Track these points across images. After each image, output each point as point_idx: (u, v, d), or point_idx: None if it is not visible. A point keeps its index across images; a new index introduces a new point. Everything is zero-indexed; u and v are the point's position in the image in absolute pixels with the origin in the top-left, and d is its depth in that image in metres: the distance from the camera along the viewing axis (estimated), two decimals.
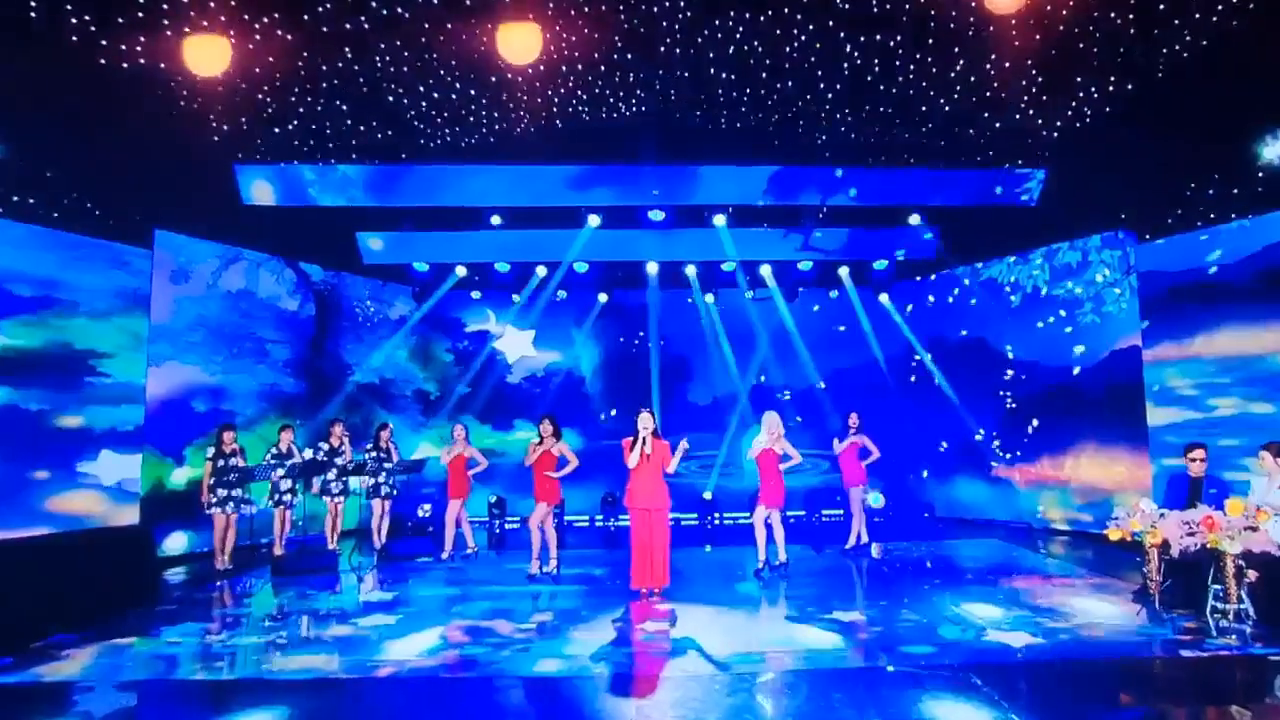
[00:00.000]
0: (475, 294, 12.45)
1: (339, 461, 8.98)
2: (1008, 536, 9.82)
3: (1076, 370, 9.93)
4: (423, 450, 11.75)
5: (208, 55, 6.17)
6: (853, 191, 10.12)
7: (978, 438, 11.15)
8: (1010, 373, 10.82)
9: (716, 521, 12.12)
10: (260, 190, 9.47)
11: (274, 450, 8.51)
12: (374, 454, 9.13)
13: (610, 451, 10.32)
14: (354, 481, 9.27)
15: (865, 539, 8.75)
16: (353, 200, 9.82)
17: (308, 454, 8.86)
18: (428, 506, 11.52)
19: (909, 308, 12.27)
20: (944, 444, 11.76)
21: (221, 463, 8.08)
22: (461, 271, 11.88)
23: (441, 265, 11.77)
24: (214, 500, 8.00)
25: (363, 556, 8.62)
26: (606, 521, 12.14)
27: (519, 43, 6.21)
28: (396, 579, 7.64)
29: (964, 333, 11.54)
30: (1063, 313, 10.12)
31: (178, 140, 7.72)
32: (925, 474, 11.90)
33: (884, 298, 12.31)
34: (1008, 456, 10.85)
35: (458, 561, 8.48)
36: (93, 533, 7.17)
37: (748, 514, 12.03)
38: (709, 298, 12.49)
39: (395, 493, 9.28)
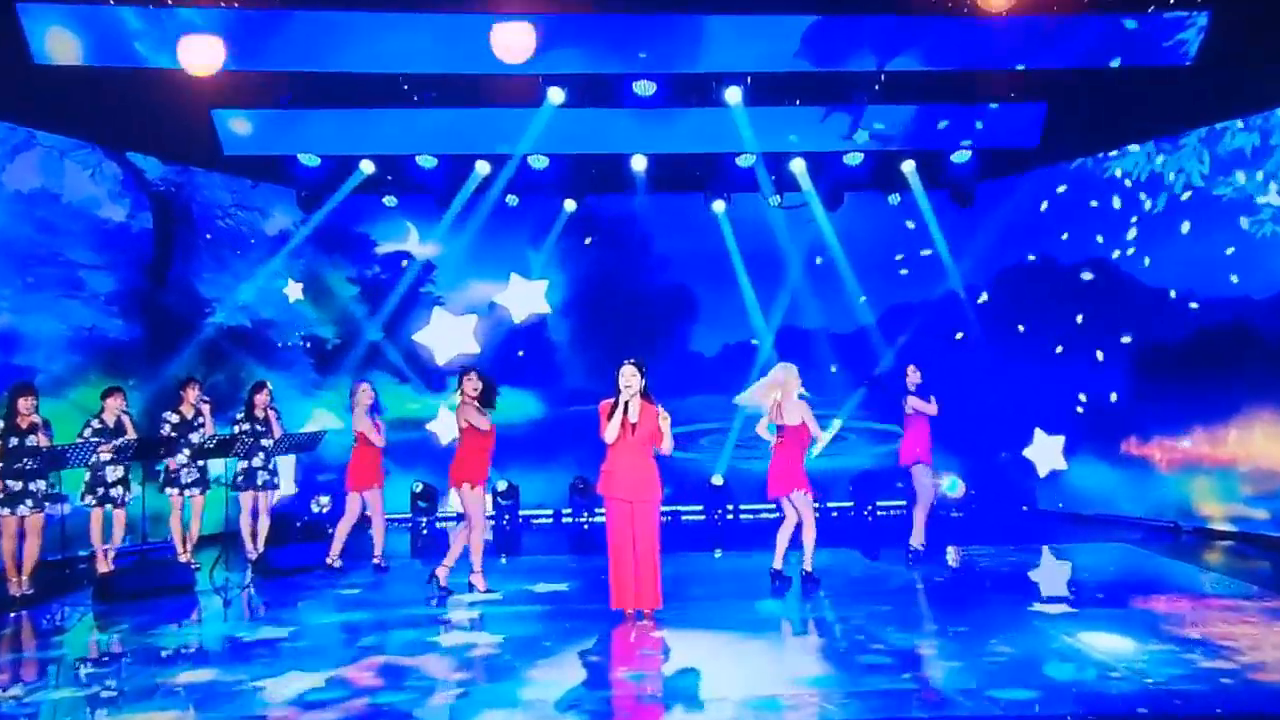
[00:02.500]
0: (389, 200, 12.39)
1: (194, 439, 8.93)
2: (1144, 539, 9.93)
3: (1248, 305, 9.89)
4: (317, 420, 11.70)
5: None
6: (921, 53, 10.06)
7: (1114, 398, 11.11)
8: (1148, 309, 10.84)
9: (729, 516, 12.34)
10: (60, 43, 9.16)
11: (96, 423, 8.43)
12: (246, 427, 9.10)
13: (581, 421, 10.71)
14: (217, 466, 9.23)
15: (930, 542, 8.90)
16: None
17: (162, 428, 8.84)
18: (326, 499, 11.64)
19: (1000, 218, 12.24)
20: (1051, 410, 11.78)
21: (14, 442, 7.91)
22: (368, 168, 11.77)
23: (339, 159, 11.65)
24: (0, 497, 7.87)
25: (231, 572, 8.53)
26: (576, 517, 12.33)
27: None
28: (280, 602, 7.64)
29: (1076, 254, 11.57)
30: (1229, 222, 10.02)
31: None
32: (1038, 457, 11.80)
33: (965, 203, 12.32)
34: (1144, 429, 10.90)
35: (356, 573, 8.58)
36: None
37: (773, 506, 12.19)
38: (719, 206, 12.52)
39: (273, 482, 9.31)
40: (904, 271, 12.62)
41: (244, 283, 11.67)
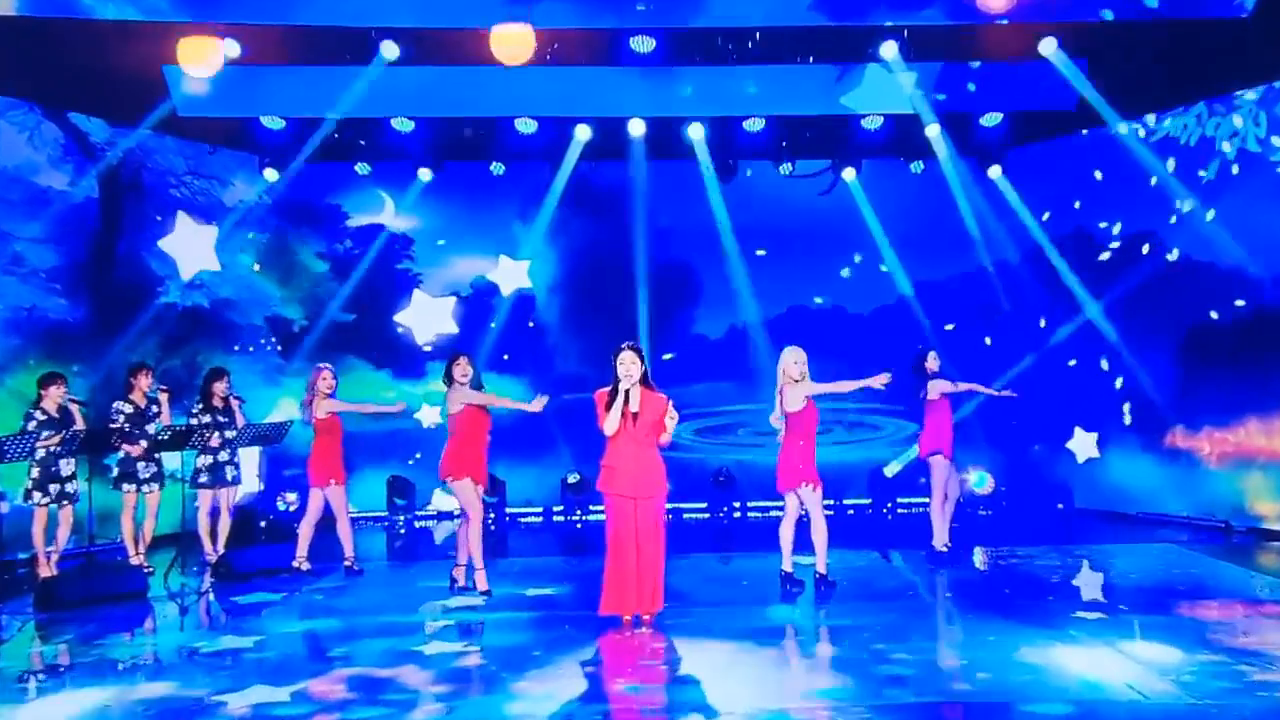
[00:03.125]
0: (362, 167, 12.35)
1: (150, 429, 8.94)
2: (1192, 540, 9.95)
3: None
4: (284, 410, 11.75)
5: None
6: (947, 5, 10.08)
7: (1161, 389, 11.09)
8: (1197, 287, 10.78)
9: (735, 514, 12.42)
10: None
11: (36, 413, 8.43)
12: (205, 417, 9.13)
13: (575, 411, 10.76)
14: (172, 460, 9.20)
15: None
16: (155, 11, 9.52)
17: (113, 419, 8.80)
18: (293, 496, 11.64)
19: (1035, 187, 12.26)
20: (1089, 398, 11.83)
21: None
22: (337, 131, 11.71)
23: (306, 121, 11.59)
24: None
25: (187, 576, 8.57)
26: (570, 516, 12.40)
27: None
28: (243, 609, 7.64)
29: (1117, 227, 11.61)
30: None
31: None
32: (1075, 448, 11.81)
33: (996, 172, 12.35)
34: (1193, 419, 10.89)
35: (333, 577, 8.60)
36: None
37: (783, 502, 12.34)
38: (728, 174, 12.57)
39: (238, 478, 9.35)
40: (928, 246, 12.59)
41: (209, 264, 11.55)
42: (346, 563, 8.68)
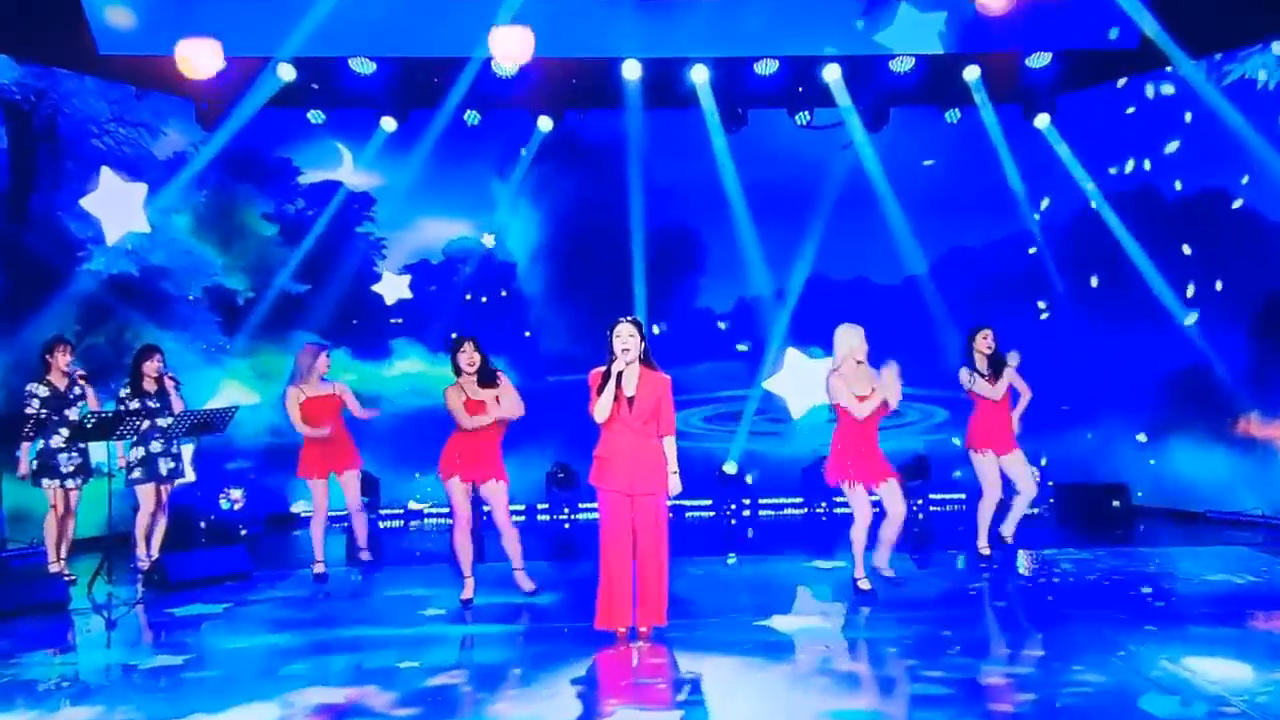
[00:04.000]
0: (315, 115, 12.36)
1: (71, 416, 8.93)
2: (1267, 541, 9.96)
3: None
4: (227, 394, 11.75)
5: None
6: None
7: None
8: (1274, 253, 10.79)
9: (745, 513, 12.47)
10: None
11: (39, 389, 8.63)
12: (135, 402, 9.07)
13: (563, 395, 10.92)
14: (98, 452, 9.16)
15: (1008, 538, 8.95)
16: None
17: (27, 404, 8.80)
18: (238, 493, 11.67)
19: (1089, 139, 12.21)
20: (1146, 379, 11.84)
21: None
22: (288, 73, 11.61)
23: (250, 61, 11.45)
24: None
25: (116, 585, 8.45)
26: (555, 514, 12.43)
27: None
28: (181, 623, 7.63)
29: (1183, 184, 11.58)
30: None
31: None
32: (1143, 438, 11.84)
33: (1044, 121, 12.32)
34: (1269, 403, 10.90)
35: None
36: None
37: (799, 499, 12.67)
38: (733, 124, 12.49)
39: (179, 470, 9.35)
40: (965, 207, 12.59)
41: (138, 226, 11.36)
42: (315, 567, 8.88)
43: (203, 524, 10.93)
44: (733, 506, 12.43)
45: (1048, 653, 6.21)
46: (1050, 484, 12.18)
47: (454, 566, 7.99)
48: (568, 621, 7.12)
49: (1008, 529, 8.89)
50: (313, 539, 8.84)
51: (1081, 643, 6.37)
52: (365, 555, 9.02)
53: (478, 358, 7.54)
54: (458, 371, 7.55)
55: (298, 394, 8.60)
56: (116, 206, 11.11)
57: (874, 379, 7.47)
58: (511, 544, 7.84)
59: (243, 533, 11.16)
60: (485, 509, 8.10)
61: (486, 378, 7.56)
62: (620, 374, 6.33)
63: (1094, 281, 12.24)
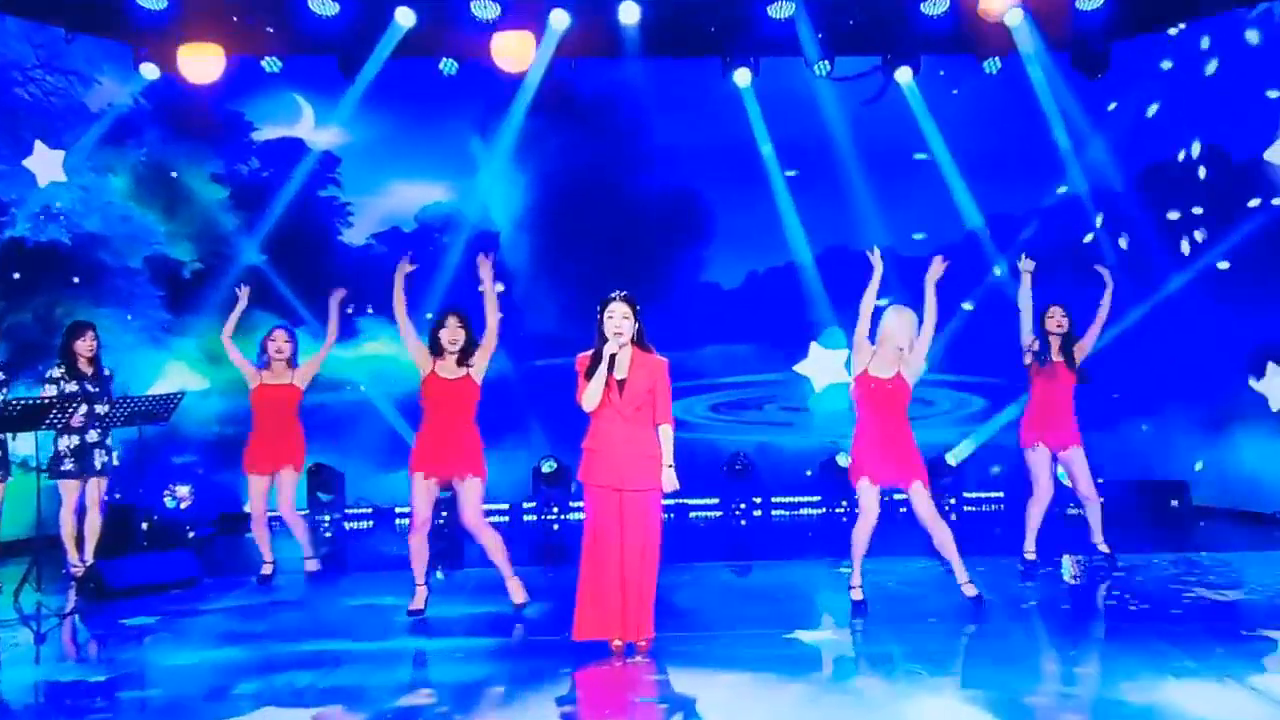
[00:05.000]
0: (271, 63, 12.24)
1: None
2: None
3: None
4: (173, 379, 11.77)
5: None
6: None
7: None
8: None
9: (756, 512, 12.46)
10: None
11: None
12: (66, 386, 9.06)
13: (552, 380, 10.98)
14: (20, 445, 9.25)
15: (1103, 547, 8.96)
16: None
17: None
18: (184, 490, 11.70)
19: (1147, 91, 12.17)
20: (1210, 363, 11.75)
21: None
22: (236, 13, 11.64)
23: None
24: None
25: (45, 594, 8.49)
26: (543, 514, 12.41)
27: None
28: (121, 636, 7.57)
29: (1253, 143, 11.28)
30: None
31: None
32: (1268, 389, 11.50)
33: (1096, 71, 12.32)
34: None
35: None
36: None
37: (817, 498, 12.95)
38: (743, 76, 12.49)
39: (115, 463, 9.38)
40: (1006, 168, 12.53)
41: (57, 180, 11.35)
42: (263, 570, 8.92)
43: (145, 525, 10.59)
44: (742, 505, 12.39)
45: (1097, 670, 6.22)
46: (1099, 480, 11.95)
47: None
48: (556, 634, 7.02)
49: (1098, 538, 8.89)
50: (257, 539, 8.87)
51: (1134, 658, 6.32)
52: (312, 565, 9.06)
53: (461, 335, 7.42)
54: (438, 351, 7.47)
55: (255, 375, 8.81)
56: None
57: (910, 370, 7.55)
58: (496, 550, 7.70)
59: (190, 534, 11.06)
60: (443, 514, 7.94)
61: (466, 357, 7.50)
62: (613, 356, 6.31)
63: (1151, 253, 12.17)
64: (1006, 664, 6.34)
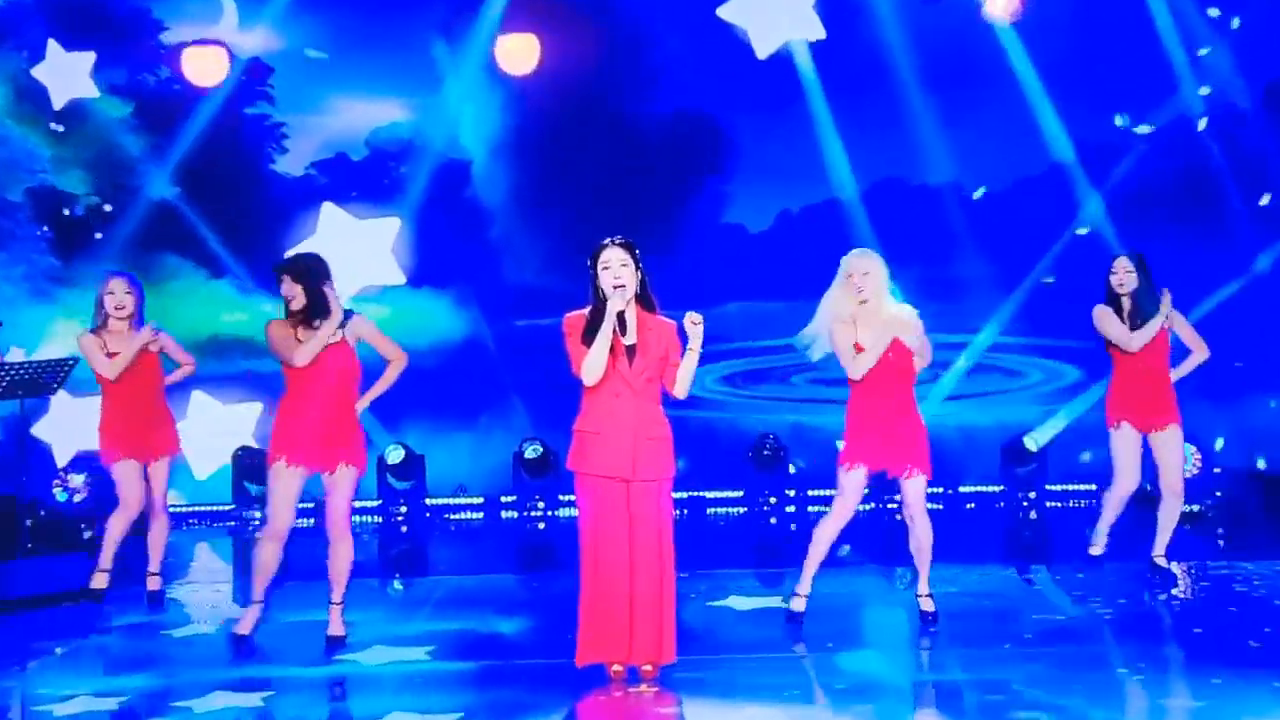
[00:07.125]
0: None
1: None
2: None
3: None
4: (62, 340, 11.69)
5: None
6: None
7: None
8: None
9: (789, 508, 12.47)
10: None
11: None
12: None
13: (534, 346, 11.46)
14: None
15: (1161, 561, 8.78)
16: None
17: None
18: (79, 479, 11.81)
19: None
20: None
21: None
22: None
23: None
24: None
25: None
26: (525, 509, 12.50)
27: None
28: (7, 653, 7.46)
29: None
30: None
31: None
32: None
33: None
34: None
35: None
36: None
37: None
38: None
39: None
40: (1102, 87, 12.53)
41: None
42: (151, 581, 8.73)
43: (29, 522, 10.23)
44: (771, 500, 12.36)
45: (1196, 699, 6.02)
46: (1216, 470, 12.03)
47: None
48: (542, 657, 6.95)
49: (1159, 551, 8.62)
50: (105, 539, 8.56)
51: (1245, 685, 6.02)
52: (155, 582, 8.77)
53: (298, 289, 7.13)
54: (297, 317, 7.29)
55: (97, 343, 8.28)
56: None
57: (902, 326, 7.26)
58: (341, 561, 7.45)
59: (87, 535, 10.80)
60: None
61: (312, 315, 7.14)
62: (620, 314, 6.10)
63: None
64: (1090, 696, 5.99)
